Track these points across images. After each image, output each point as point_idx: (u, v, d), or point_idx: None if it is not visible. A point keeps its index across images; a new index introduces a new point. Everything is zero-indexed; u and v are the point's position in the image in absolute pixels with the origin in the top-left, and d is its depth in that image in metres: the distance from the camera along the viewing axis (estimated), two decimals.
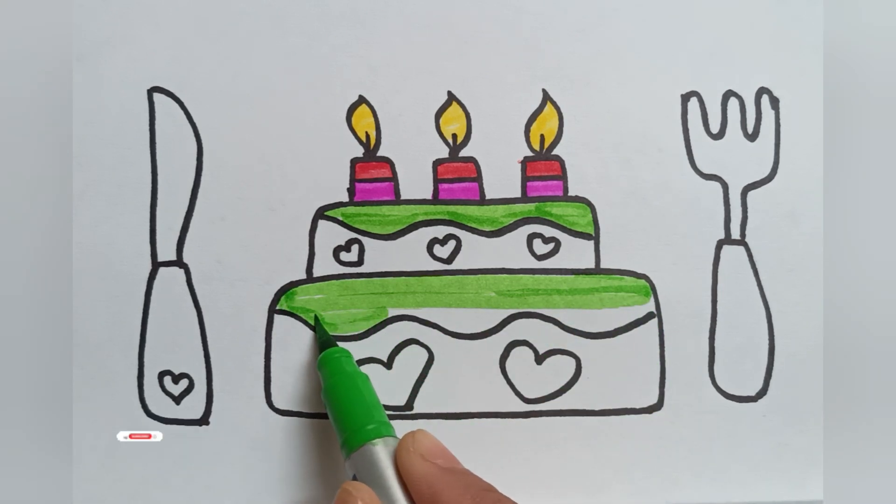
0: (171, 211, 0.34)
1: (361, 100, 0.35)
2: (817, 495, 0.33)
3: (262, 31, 0.35)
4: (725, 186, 0.34)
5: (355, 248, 0.34)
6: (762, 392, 0.34)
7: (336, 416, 0.30)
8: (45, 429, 0.30)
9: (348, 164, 0.34)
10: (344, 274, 0.34)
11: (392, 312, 0.34)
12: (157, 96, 0.35)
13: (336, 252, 0.34)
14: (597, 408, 0.34)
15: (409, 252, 0.34)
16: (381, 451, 0.28)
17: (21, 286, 0.29)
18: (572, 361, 0.34)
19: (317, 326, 0.34)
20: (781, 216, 0.34)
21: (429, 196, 0.34)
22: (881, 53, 0.29)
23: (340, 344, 0.34)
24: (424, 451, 0.27)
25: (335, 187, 0.34)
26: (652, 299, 0.34)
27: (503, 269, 0.34)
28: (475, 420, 0.34)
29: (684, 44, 0.35)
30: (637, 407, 0.34)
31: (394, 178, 0.34)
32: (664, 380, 0.34)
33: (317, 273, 0.34)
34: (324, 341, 0.33)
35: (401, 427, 0.34)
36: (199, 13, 0.35)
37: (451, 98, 0.35)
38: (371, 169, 0.34)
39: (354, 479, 0.28)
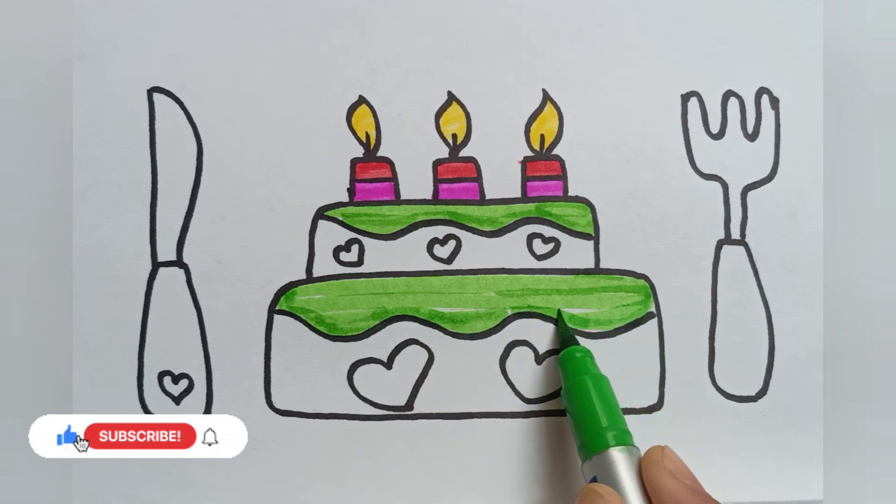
0: (171, 211, 0.34)
1: (361, 100, 0.34)
2: (817, 495, 0.33)
3: (262, 31, 0.35)
4: (725, 186, 0.34)
5: (355, 248, 0.34)
6: (762, 392, 0.34)
7: (577, 416, 0.30)
8: None
9: (348, 164, 0.34)
10: (344, 274, 0.34)
11: (392, 313, 0.34)
12: (157, 96, 0.35)
13: (336, 252, 0.34)
14: None
15: (409, 252, 0.34)
16: (625, 459, 0.28)
17: (21, 286, 0.29)
18: None
19: (559, 322, 0.34)
20: (781, 216, 0.34)
21: (429, 196, 0.34)
22: (881, 53, 0.29)
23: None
24: (673, 467, 0.27)
25: (335, 187, 0.34)
26: (652, 299, 0.34)
27: (503, 269, 0.34)
28: (475, 420, 0.34)
29: (684, 44, 0.35)
30: (637, 407, 0.34)
31: (394, 178, 0.34)
32: (664, 380, 0.34)
33: (317, 273, 0.34)
34: (565, 338, 0.33)
35: (401, 427, 0.34)
36: (199, 13, 0.35)
37: (451, 98, 0.35)
38: (371, 169, 0.34)
39: (594, 481, 0.28)
